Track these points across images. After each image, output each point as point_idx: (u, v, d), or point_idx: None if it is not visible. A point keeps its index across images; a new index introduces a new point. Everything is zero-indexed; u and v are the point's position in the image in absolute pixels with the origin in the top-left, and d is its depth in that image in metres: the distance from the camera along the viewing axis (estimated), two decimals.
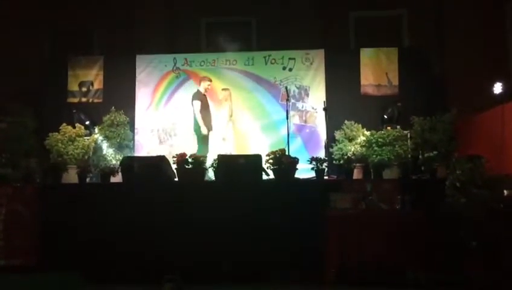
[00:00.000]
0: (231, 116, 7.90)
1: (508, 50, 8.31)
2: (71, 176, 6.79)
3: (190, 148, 7.19)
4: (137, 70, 8.30)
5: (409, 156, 6.78)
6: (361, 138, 7.26)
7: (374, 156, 6.77)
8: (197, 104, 7.69)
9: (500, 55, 8.21)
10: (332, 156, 7.32)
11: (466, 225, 4.97)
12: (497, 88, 7.59)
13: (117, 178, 6.74)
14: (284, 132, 7.36)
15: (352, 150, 7.20)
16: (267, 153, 6.52)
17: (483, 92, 7.60)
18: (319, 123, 7.92)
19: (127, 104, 8.10)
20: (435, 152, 6.45)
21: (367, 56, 8.12)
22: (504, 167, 5.57)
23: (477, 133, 6.71)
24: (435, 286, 5.05)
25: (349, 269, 5.19)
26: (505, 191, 5.16)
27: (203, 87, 7.86)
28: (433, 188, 5.66)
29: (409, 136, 7.01)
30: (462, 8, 8.27)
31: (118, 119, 7.74)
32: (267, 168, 6.35)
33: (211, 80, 7.91)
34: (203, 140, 7.80)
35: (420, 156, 6.62)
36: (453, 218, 5.07)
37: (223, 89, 7.94)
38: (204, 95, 7.87)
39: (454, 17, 8.37)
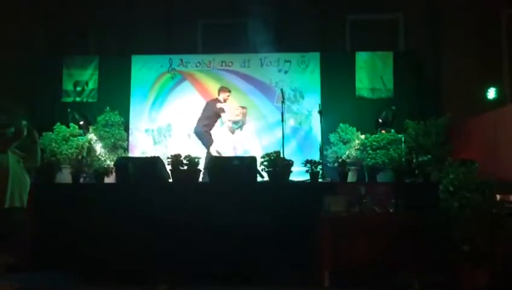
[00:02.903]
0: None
1: (502, 56, 8.38)
2: (65, 175, 6.76)
3: (185, 149, 7.17)
4: (133, 71, 8.29)
5: (403, 159, 6.80)
6: (355, 141, 7.29)
7: (368, 159, 6.80)
8: (226, 116, 7.87)
9: (495, 60, 8.28)
10: (327, 158, 7.33)
11: (459, 228, 4.99)
12: (491, 93, 7.66)
13: (111, 178, 6.72)
14: (278, 134, 7.37)
15: (347, 153, 7.22)
16: (261, 155, 6.52)
17: (477, 97, 7.67)
18: (314, 126, 7.94)
19: (122, 104, 8.08)
20: (428, 156, 6.48)
21: (362, 59, 8.16)
22: (497, 172, 5.60)
23: (471, 137, 6.75)
24: (427, 288, 5.07)
25: (342, 271, 5.20)
26: (498, 196, 5.21)
27: (222, 97, 7.91)
28: (427, 192, 5.69)
29: (403, 139, 7.03)
30: (458, 14, 8.33)
31: (112, 119, 7.71)
32: (262, 170, 6.36)
33: (230, 91, 7.95)
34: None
35: (414, 160, 6.65)
36: (446, 222, 5.10)
37: (241, 107, 8.03)
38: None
39: (450, 22, 8.42)
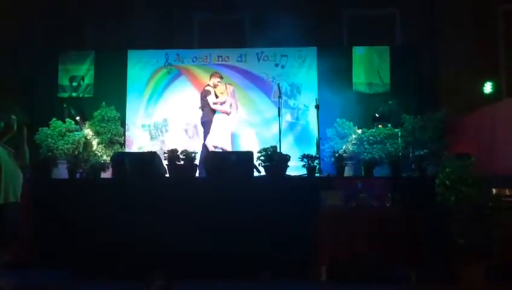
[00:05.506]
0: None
1: (498, 50, 8.38)
2: (61, 171, 6.74)
3: (181, 144, 7.17)
4: (129, 66, 8.26)
5: (400, 154, 6.82)
6: (352, 136, 7.29)
7: (365, 153, 6.81)
8: (212, 98, 7.44)
9: (491, 54, 8.28)
10: (324, 153, 7.34)
11: (455, 222, 5.01)
12: (488, 87, 7.66)
13: (107, 174, 6.71)
14: (275, 128, 7.36)
15: (344, 147, 7.23)
16: (258, 149, 6.52)
17: (474, 91, 7.67)
18: (311, 120, 7.94)
19: (118, 99, 8.07)
20: (425, 150, 6.50)
21: (359, 54, 8.17)
22: (494, 166, 5.62)
23: (468, 132, 6.76)
24: (424, 282, 5.09)
25: (339, 265, 5.21)
26: (494, 190, 5.22)
27: (212, 82, 7.56)
28: (423, 186, 5.70)
29: (399, 134, 7.04)
30: (455, 8, 8.33)
31: (108, 114, 7.69)
32: (259, 165, 6.35)
33: (221, 77, 7.65)
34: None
35: (410, 154, 6.66)
36: (443, 216, 5.11)
37: (228, 84, 7.71)
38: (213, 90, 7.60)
39: (446, 17, 8.42)
